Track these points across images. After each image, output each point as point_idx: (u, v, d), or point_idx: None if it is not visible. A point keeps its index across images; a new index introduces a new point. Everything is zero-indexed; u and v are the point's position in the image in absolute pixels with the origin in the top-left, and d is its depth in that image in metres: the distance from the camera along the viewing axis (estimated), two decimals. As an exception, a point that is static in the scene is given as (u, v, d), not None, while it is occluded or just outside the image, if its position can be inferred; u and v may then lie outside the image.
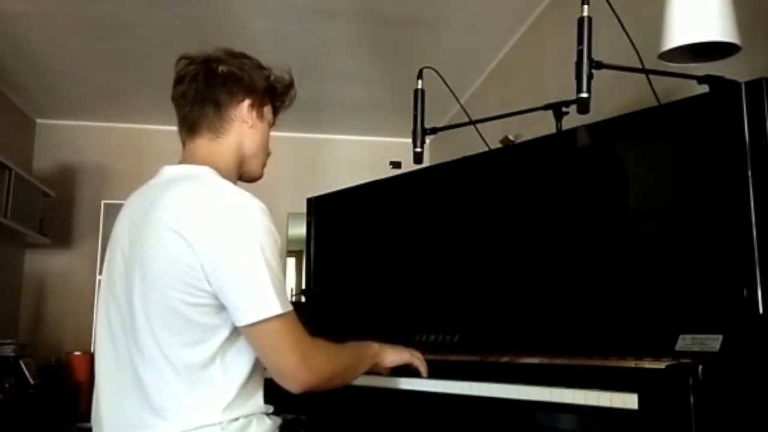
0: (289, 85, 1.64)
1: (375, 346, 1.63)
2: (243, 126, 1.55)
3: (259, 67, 1.59)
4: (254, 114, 1.57)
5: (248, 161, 1.59)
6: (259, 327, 1.35)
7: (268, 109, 1.61)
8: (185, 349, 1.37)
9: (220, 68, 1.53)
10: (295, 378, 1.38)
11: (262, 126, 1.59)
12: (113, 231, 1.53)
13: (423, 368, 1.67)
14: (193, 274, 1.35)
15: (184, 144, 1.57)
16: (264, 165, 1.63)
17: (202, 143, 1.54)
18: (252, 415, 1.42)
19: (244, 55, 1.59)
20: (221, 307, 1.37)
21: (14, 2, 3.31)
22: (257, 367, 1.44)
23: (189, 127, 1.54)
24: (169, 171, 1.52)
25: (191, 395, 1.37)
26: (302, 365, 1.37)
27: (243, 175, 1.59)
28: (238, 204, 1.39)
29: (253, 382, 1.44)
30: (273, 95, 1.62)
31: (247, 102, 1.55)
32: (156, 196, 1.44)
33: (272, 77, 1.61)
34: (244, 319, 1.35)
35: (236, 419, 1.39)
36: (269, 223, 1.40)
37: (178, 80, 1.55)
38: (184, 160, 1.55)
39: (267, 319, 1.34)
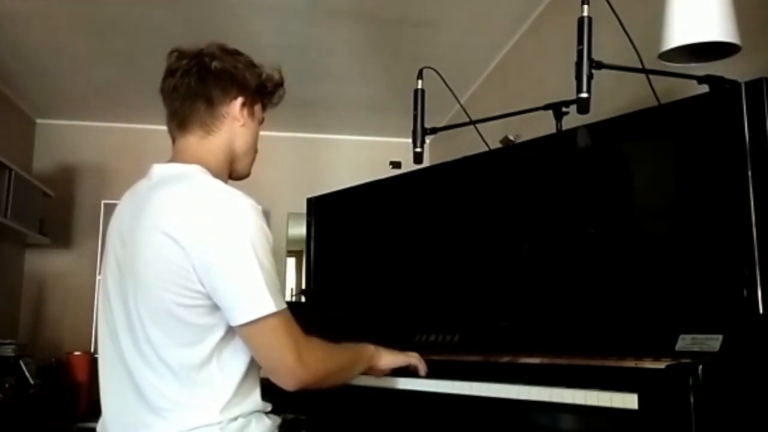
0: (279, 84, 1.62)
1: (371, 348, 1.63)
2: (235, 124, 1.54)
3: (252, 64, 1.57)
4: (245, 112, 1.55)
5: (239, 160, 1.57)
6: (254, 326, 1.34)
7: (258, 108, 1.60)
8: (181, 349, 1.37)
9: (214, 64, 1.51)
10: (290, 376, 1.38)
11: (253, 124, 1.58)
12: (107, 232, 1.53)
13: (421, 366, 1.68)
14: (186, 276, 1.34)
15: (173, 139, 1.55)
16: (252, 163, 1.62)
17: (193, 140, 1.52)
18: (251, 414, 1.42)
19: (237, 52, 1.57)
20: (215, 307, 1.36)
21: (14, 2, 3.31)
22: (254, 365, 1.44)
23: (179, 123, 1.52)
24: (159, 170, 1.49)
25: (189, 395, 1.37)
26: (297, 363, 1.37)
27: (232, 173, 1.58)
28: (229, 203, 1.38)
29: (250, 380, 1.44)
30: (263, 93, 1.60)
31: (239, 100, 1.53)
32: (146, 197, 1.43)
33: (264, 75, 1.59)
34: (238, 319, 1.35)
35: (235, 419, 1.39)
36: (261, 221, 1.38)
37: (170, 73, 1.52)
38: (174, 158, 1.53)
39: (261, 318, 1.34)
